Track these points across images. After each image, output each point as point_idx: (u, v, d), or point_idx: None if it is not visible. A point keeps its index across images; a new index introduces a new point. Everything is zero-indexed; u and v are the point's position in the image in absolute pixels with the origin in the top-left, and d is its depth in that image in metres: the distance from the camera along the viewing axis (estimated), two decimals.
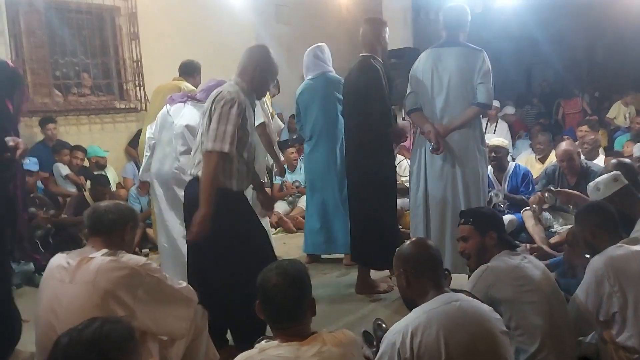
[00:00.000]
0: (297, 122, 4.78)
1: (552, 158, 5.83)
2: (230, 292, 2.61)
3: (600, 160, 5.40)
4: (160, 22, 6.74)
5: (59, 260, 2.07)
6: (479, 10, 6.34)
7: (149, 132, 3.96)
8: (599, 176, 4.41)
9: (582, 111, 8.26)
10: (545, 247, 4.27)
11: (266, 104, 4.60)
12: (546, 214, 4.63)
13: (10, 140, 2.37)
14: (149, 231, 5.26)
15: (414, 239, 2.21)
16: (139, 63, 6.66)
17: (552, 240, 4.44)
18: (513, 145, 7.35)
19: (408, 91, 3.74)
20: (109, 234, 2.11)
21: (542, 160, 6.02)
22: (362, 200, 3.76)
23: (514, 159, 6.08)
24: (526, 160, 6.10)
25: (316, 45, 4.64)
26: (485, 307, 1.98)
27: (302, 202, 6.04)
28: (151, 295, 2.04)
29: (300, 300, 1.73)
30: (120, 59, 6.63)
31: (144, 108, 6.75)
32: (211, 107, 2.64)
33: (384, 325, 2.63)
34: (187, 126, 3.59)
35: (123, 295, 1.97)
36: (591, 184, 3.09)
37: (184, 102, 3.72)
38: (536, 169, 5.94)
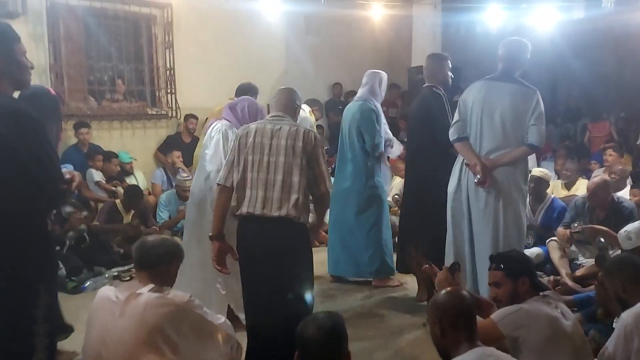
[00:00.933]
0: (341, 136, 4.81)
1: (579, 185, 5.83)
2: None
3: (626, 192, 5.38)
4: (194, 31, 6.87)
5: (107, 292, 2.17)
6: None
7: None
8: (630, 212, 4.49)
9: (609, 135, 8.18)
10: (570, 282, 4.28)
11: (312, 125, 4.83)
12: (572, 247, 4.64)
13: (67, 173, 2.47)
14: (178, 240, 5.35)
15: (449, 289, 2.21)
16: (172, 71, 6.79)
17: (577, 273, 4.44)
18: (538, 165, 7.32)
19: (455, 119, 3.71)
20: (156, 269, 2.20)
21: (568, 186, 6.00)
22: (420, 215, 4.06)
23: None
24: (552, 186, 6.07)
25: (382, 72, 4.84)
26: None
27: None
28: (194, 331, 2.13)
29: (336, 353, 1.79)
30: (154, 66, 6.76)
31: (174, 115, 6.91)
32: (302, 147, 2.70)
33: None
34: (205, 145, 3.68)
35: (168, 330, 2.06)
36: (622, 232, 3.07)
37: (212, 123, 3.77)
38: (562, 195, 5.93)
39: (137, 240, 2.36)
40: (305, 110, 4.92)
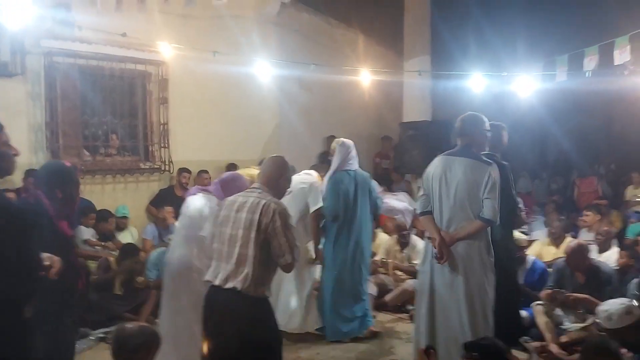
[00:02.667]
0: (330, 201, 4.86)
1: (566, 243, 5.87)
2: None
3: (613, 253, 5.42)
4: (189, 87, 7.02)
5: None
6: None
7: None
8: (608, 277, 4.52)
9: (596, 191, 8.29)
10: (555, 349, 4.28)
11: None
12: (557, 310, 4.65)
13: (46, 259, 2.50)
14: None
15: None
16: (166, 126, 6.91)
17: (562, 338, 4.45)
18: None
19: (420, 193, 3.85)
20: (133, 358, 2.22)
21: (557, 243, 6.03)
22: None
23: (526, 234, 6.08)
24: (540, 243, 6.12)
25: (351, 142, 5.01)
26: None
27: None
28: None
29: None
30: (148, 121, 6.89)
31: (167, 169, 6.99)
32: (259, 220, 2.73)
33: None
34: (190, 217, 3.69)
35: None
36: (603, 311, 3.06)
37: (194, 194, 3.80)
38: (551, 254, 5.97)
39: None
40: (312, 175, 5.05)
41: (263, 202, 2.78)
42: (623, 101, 9.19)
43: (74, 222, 3.49)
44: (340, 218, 4.79)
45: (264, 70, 6.22)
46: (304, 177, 4.98)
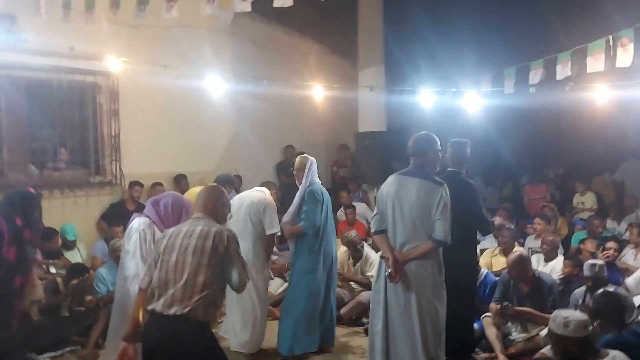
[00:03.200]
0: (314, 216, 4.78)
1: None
2: None
3: (559, 261, 5.60)
4: (140, 99, 6.92)
5: None
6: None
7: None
8: (549, 287, 4.66)
9: (544, 198, 8.55)
10: (502, 359, 4.40)
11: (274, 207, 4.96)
12: (504, 322, 4.77)
13: None
14: None
15: None
16: (117, 138, 6.77)
17: (510, 349, 4.58)
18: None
19: (375, 212, 3.88)
20: None
21: (506, 253, 6.18)
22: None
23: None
24: (490, 252, 6.25)
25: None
26: None
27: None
28: None
29: None
30: (98, 134, 6.74)
31: (118, 182, 6.84)
32: (212, 245, 2.77)
33: None
34: (125, 241, 3.61)
35: None
36: (561, 317, 3.02)
37: (134, 218, 3.68)
38: (500, 263, 6.11)
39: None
40: (265, 193, 4.99)
41: (214, 229, 2.84)
42: (569, 114, 9.55)
43: (36, 246, 3.98)
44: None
45: (217, 83, 6.16)
46: (257, 195, 4.93)
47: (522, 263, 4.73)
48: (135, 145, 6.93)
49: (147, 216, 3.54)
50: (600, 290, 3.59)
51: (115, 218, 6.41)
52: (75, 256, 5.97)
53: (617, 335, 3.26)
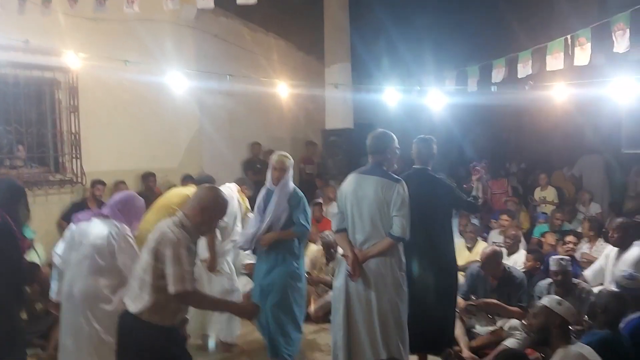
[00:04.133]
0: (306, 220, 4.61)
1: (479, 247, 6.13)
2: None
3: (521, 255, 5.74)
4: (100, 95, 6.75)
5: None
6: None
7: (59, 251, 3.75)
8: (520, 281, 4.78)
9: (506, 192, 8.75)
10: (467, 354, 4.48)
11: (241, 203, 4.87)
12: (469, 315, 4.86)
13: None
14: None
15: None
16: (77, 136, 6.59)
17: (474, 343, 4.67)
18: None
19: (336, 210, 3.88)
20: None
21: (470, 248, 6.30)
22: (425, 294, 4.07)
23: None
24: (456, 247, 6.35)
25: None
26: None
27: None
28: None
29: None
30: (57, 131, 6.54)
31: (79, 181, 6.66)
32: (155, 247, 2.75)
33: None
34: (93, 245, 3.48)
35: None
36: (557, 298, 3.11)
37: (87, 219, 3.60)
38: (464, 257, 6.21)
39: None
40: (232, 189, 4.89)
41: (165, 229, 2.81)
42: (530, 111, 9.79)
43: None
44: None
45: (180, 79, 6.06)
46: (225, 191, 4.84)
47: (495, 258, 4.83)
48: (96, 142, 6.76)
49: (113, 218, 3.50)
50: (607, 291, 3.67)
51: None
52: (32, 256, 5.78)
53: (611, 334, 3.31)
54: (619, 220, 5.07)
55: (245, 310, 3.17)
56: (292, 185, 4.51)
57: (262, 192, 4.58)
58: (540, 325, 3.05)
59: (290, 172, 4.50)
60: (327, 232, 6.32)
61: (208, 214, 2.90)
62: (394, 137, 3.84)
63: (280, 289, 4.43)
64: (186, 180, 6.64)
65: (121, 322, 2.87)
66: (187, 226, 2.83)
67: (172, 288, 2.69)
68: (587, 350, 2.98)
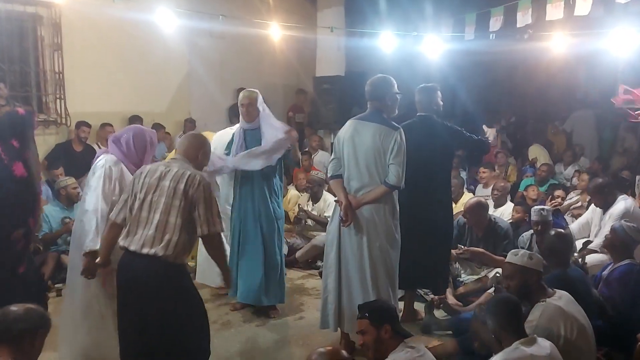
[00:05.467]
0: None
1: (464, 199, 6.14)
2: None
3: (508, 207, 5.78)
4: (85, 33, 6.51)
5: None
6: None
7: None
8: (505, 232, 4.83)
9: (496, 145, 8.73)
10: (451, 300, 4.56)
11: None
12: (455, 264, 4.92)
13: None
14: (64, 258, 5.01)
15: (330, 349, 2.22)
16: (61, 75, 6.39)
17: (459, 291, 4.74)
18: None
19: (332, 157, 3.85)
20: (19, 344, 2.08)
21: (455, 199, 6.29)
22: (423, 235, 4.13)
23: None
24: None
25: None
26: None
27: None
28: None
29: None
30: (40, 70, 6.33)
31: (64, 122, 6.52)
32: (184, 189, 2.76)
33: None
34: (88, 180, 3.46)
35: None
36: (526, 252, 3.10)
37: (98, 156, 3.51)
38: None
39: None
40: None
41: (188, 173, 2.83)
42: (525, 63, 9.65)
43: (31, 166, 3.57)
44: None
45: (170, 17, 5.83)
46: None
47: (480, 209, 4.85)
48: (81, 82, 6.56)
49: (112, 154, 3.41)
50: (552, 232, 3.74)
51: (60, 160, 6.14)
52: None
53: (563, 272, 3.46)
54: (593, 182, 5.11)
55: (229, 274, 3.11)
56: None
57: (239, 133, 4.38)
58: (518, 286, 3.06)
59: (262, 107, 4.31)
60: (315, 172, 6.36)
61: (199, 157, 3.02)
62: (394, 82, 3.77)
63: (265, 231, 4.36)
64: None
65: (132, 264, 2.80)
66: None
67: (205, 229, 2.76)
68: (564, 300, 3.02)
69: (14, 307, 2.15)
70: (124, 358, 2.94)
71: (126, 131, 3.52)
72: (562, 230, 3.88)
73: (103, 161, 3.39)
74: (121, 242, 2.85)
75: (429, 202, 4.17)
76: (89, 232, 3.19)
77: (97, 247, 3.11)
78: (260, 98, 4.35)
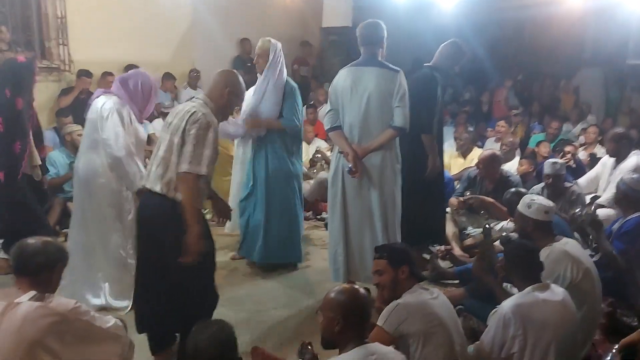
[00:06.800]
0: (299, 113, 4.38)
1: (474, 155, 6.12)
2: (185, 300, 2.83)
3: (515, 162, 5.76)
4: None
5: None
6: None
7: None
8: (516, 185, 4.82)
9: (506, 99, 8.67)
10: (457, 251, 4.59)
11: None
12: (462, 217, 4.94)
13: None
14: (71, 205, 5.01)
15: (349, 287, 2.25)
16: (64, 20, 6.23)
17: (465, 242, 4.78)
18: None
19: (328, 108, 3.74)
20: (37, 276, 2.08)
21: (464, 154, 6.29)
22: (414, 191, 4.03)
23: None
24: (449, 154, 6.33)
25: None
26: (398, 359, 2.16)
27: None
28: (80, 339, 2.06)
29: None
30: (42, 14, 6.16)
31: (67, 68, 6.40)
32: (184, 127, 2.69)
33: (309, 348, 2.72)
34: (90, 120, 3.48)
35: (51, 343, 1.97)
36: (529, 198, 3.14)
37: (97, 96, 3.53)
38: (458, 164, 6.24)
39: None
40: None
41: (193, 110, 2.75)
42: (534, 20, 9.43)
43: (31, 115, 3.83)
44: None
45: None
46: None
47: (493, 161, 4.84)
48: (84, 28, 6.40)
49: (117, 95, 3.37)
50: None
51: (69, 107, 6.04)
52: None
53: None
54: (615, 130, 5.12)
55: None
56: (285, 74, 4.23)
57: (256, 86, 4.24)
58: (519, 229, 3.16)
59: (277, 58, 4.12)
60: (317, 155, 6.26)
61: (232, 97, 2.89)
62: (384, 26, 3.68)
63: (277, 189, 4.25)
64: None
65: (145, 202, 2.84)
66: (212, 108, 2.82)
67: (184, 166, 2.65)
68: (570, 245, 3.07)
69: (32, 240, 2.15)
70: (137, 296, 3.00)
71: (134, 74, 3.50)
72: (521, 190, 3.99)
73: (110, 104, 3.36)
74: (142, 181, 2.89)
75: (417, 156, 4.08)
76: (136, 174, 3.33)
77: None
78: (272, 49, 4.10)
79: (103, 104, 3.38)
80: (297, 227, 4.41)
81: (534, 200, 3.12)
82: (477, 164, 4.97)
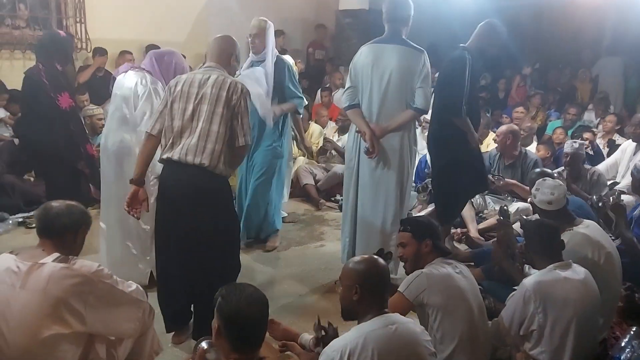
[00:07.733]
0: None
1: (489, 140, 6.06)
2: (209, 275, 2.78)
3: (533, 147, 5.70)
4: None
5: (7, 262, 2.03)
6: None
7: None
8: (534, 162, 4.77)
9: (523, 87, 8.59)
10: (473, 233, 4.56)
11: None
12: (478, 199, 4.90)
13: None
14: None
15: (368, 256, 2.23)
16: None
17: (481, 225, 4.74)
18: None
19: (347, 85, 3.65)
20: (61, 238, 2.09)
21: (481, 140, 6.22)
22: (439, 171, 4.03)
23: None
24: None
25: None
26: (418, 330, 2.15)
27: None
28: (102, 301, 2.07)
29: (264, 328, 1.84)
30: None
31: (84, 47, 6.41)
32: (228, 96, 2.69)
33: (330, 324, 2.67)
34: (122, 97, 3.40)
35: (74, 303, 1.99)
36: (551, 182, 3.11)
37: (126, 71, 3.49)
38: None
39: None
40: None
41: (229, 80, 2.75)
42: (553, 3, 9.29)
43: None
44: None
45: None
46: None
47: (512, 136, 4.82)
48: (101, 7, 6.41)
49: (148, 71, 3.36)
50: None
51: (86, 84, 6.08)
52: None
53: None
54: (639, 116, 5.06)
55: None
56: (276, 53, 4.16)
57: (246, 64, 4.14)
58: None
59: (271, 38, 4.07)
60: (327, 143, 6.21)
61: (232, 62, 2.89)
62: (411, 3, 3.55)
63: (260, 169, 4.22)
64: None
65: (175, 174, 2.75)
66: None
67: (243, 139, 2.73)
68: (591, 229, 3.03)
69: (55, 203, 2.15)
70: (161, 271, 2.94)
71: (170, 53, 3.47)
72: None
73: (145, 81, 3.35)
74: (164, 154, 2.78)
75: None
76: None
77: None
78: (268, 28, 4.05)
79: (137, 81, 3.34)
80: (270, 200, 4.33)
81: (556, 186, 3.09)
82: (494, 139, 4.95)
